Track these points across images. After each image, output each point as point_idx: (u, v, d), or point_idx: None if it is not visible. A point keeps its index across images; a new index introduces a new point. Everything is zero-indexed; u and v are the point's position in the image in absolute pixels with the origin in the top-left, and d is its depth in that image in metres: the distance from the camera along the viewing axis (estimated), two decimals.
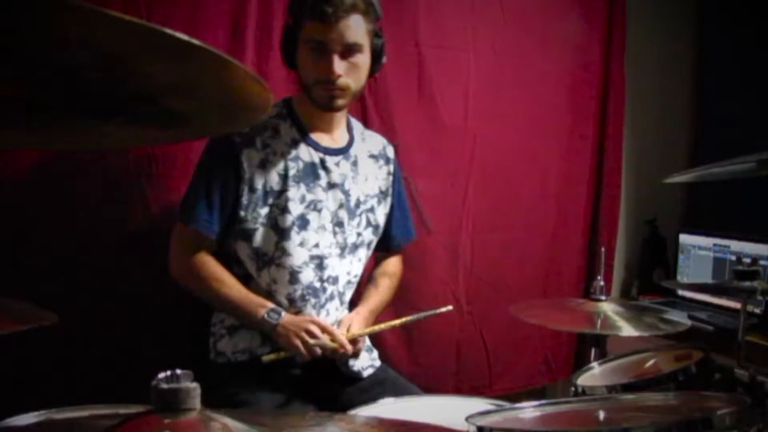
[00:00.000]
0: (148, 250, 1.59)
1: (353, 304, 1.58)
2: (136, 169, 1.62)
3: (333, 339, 1.38)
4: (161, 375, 0.59)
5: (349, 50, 1.36)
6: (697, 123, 2.57)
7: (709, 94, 2.52)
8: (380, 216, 1.57)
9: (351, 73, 1.39)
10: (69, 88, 0.51)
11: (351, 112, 1.62)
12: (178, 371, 0.59)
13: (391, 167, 1.61)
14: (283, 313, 1.39)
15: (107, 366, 1.58)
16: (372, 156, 1.58)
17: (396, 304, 1.83)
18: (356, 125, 1.60)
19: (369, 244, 1.57)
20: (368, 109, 1.87)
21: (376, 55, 1.44)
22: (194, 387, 0.59)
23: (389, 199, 1.60)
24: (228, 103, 0.60)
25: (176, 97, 0.55)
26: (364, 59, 1.40)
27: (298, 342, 1.35)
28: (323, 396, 1.45)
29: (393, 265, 1.69)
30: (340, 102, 1.42)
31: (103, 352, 1.58)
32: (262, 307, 1.39)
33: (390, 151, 1.63)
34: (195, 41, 0.45)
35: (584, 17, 2.22)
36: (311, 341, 1.35)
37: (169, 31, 0.43)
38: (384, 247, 1.64)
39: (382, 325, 1.50)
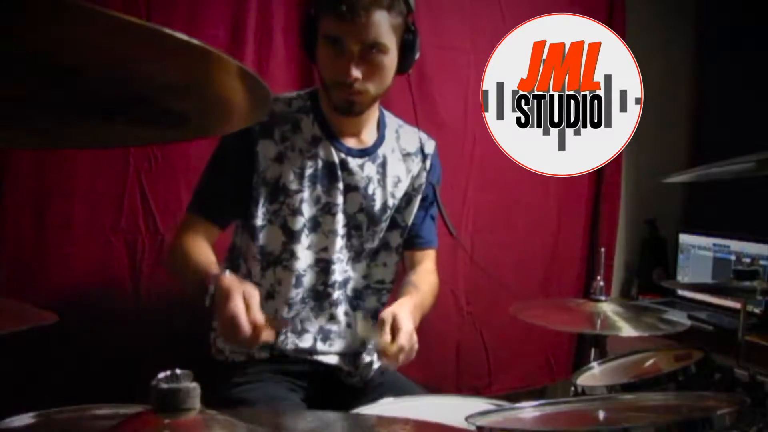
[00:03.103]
0: (148, 249, 1.59)
1: None
2: (136, 169, 1.62)
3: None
4: (161, 375, 0.59)
5: (369, 51, 1.22)
6: (697, 123, 2.57)
7: (709, 94, 2.52)
8: (408, 216, 1.46)
9: (371, 76, 1.24)
10: (69, 88, 0.51)
11: None
12: (178, 371, 0.59)
13: (428, 163, 1.46)
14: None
15: (107, 366, 1.58)
16: (407, 154, 1.44)
17: None
18: (391, 121, 1.47)
19: (397, 248, 1.46)
20: None
21: (406, 52, 1.28)
22: (194, 387, 0.59)
23: (419, 197, 1.47)
24: (228, 104, 0.60)
25: (176, 97, 0.55)
26: (388, 60, 1.25)
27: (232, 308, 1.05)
28: (320, 399, 1.41)
29: (429, 271, 1.50)
30: (358, 108, 1.29)
31: (103, 352, 1.58)
32: (207, 274, 1.16)
33: (429, 147, 1.48)
34: (195, 41, 0.45)
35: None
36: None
37: (169, 31, 0.43)
38: (410, 246, 1.49)
39: None
